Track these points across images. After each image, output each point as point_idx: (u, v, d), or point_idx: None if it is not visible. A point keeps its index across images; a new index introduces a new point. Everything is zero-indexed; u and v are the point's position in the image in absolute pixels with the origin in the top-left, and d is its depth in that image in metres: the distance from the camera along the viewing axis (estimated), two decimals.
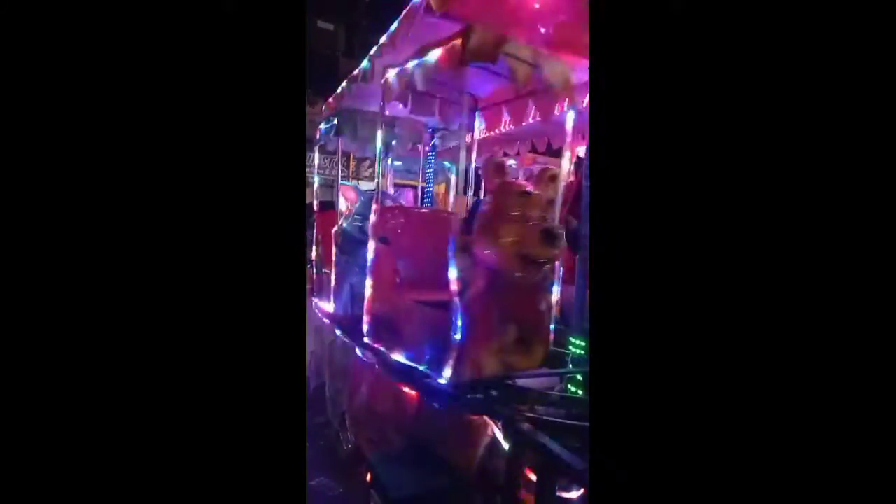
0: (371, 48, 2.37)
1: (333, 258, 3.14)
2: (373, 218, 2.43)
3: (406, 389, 2.07)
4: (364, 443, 2.46)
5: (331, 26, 9.69)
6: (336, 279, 3.13)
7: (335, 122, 3.28)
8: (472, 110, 2.94)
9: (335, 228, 3.18)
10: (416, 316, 2.16)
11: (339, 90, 3.09)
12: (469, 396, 1.76)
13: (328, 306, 3.29)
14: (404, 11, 1.94)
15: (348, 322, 2.89)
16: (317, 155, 4.07)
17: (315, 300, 3.64)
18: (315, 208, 3.90)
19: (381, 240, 2.39)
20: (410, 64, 1.97)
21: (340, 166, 3.75)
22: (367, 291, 2.42)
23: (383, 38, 2.18)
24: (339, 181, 3.61)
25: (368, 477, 2.06)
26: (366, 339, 2.44)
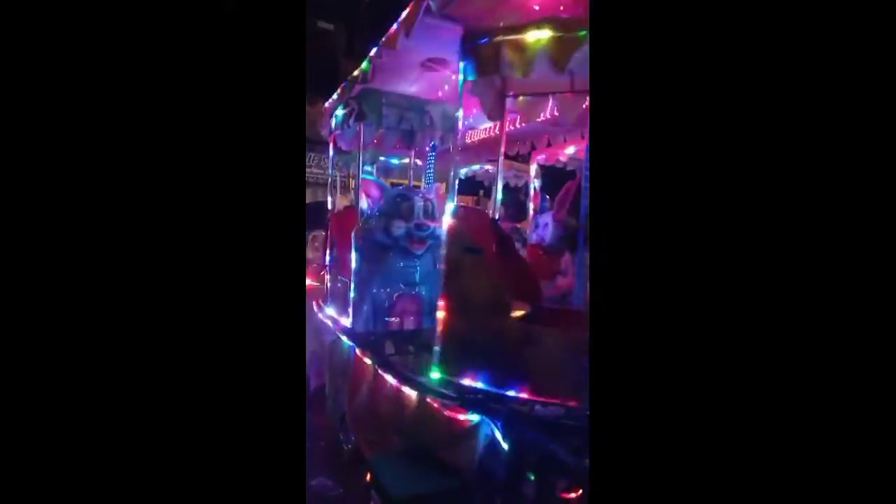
0: (371, 49, 2.37)
1: (353, 264, 2.75)
2: (450, 221, 1.98)
3: (405, 389, 2.07)
4: (364, 443, 2.45)
5: (331, 26, 9.69)
6: (356, 288, 2.72)
7: (355, 106, 2.78)
8: (503, 97, 2.36)
9: (355, 230, 2.78)
10: (549, 341, 1.76)
11: (355, 73, 2.65)
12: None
13: (346, 320, 2.88)
14: (404, 12, 1.94)
15: (371, 340, 2.60)
16: (331, 149, 3.54)
17: (330, 311, 3.22)
18: (329, 207, 3.56)
19: (470, 250, 1.93)
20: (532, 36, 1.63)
21: (361, 160, 3.11)
22: (442, 314, 1.93)
23: (383, 40, 2.19)
24: (361, 175, 3.02)
25: (368, 477, 2.06)
26: (435, 374, 1.92)
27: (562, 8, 1.77)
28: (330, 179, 4.08)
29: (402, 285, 2.75)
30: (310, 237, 4.50)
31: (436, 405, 1.89)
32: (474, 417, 1.74)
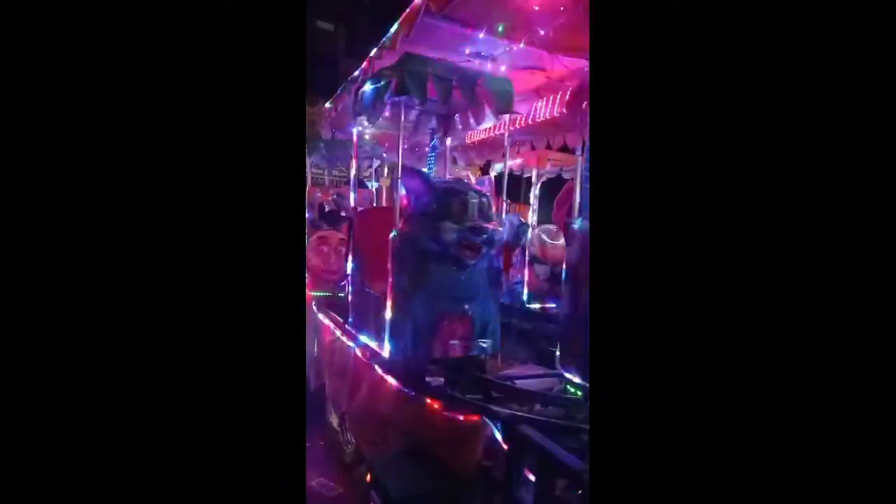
0: (371, 49, 2.37)
1: (390, 277, 2.20)
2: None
3: (406, 390, 2.07)
4: (364, 443, 2.45)
5: (331, 26, 9.71)
6: (394, 307, 2.19)
7: (392, 77, 2.15)
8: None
9: (393, 234, 2.22)
10: None
11: (392, 29, 2.14)
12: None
13: (378, 345, 2.35)
14: (404, 12, 1.94)
15: (416, 373, 2.09)
16: (355, 132, 2.97)
17: (353, 332, 2.71)
18: (352, 204, 3.11)
19: None
20: None
21: (401, 145, 2.45)
22: None
23: (383, 40, 2.19)
24: (400, 166, 2.33)
25: (368, 477, 2.06)
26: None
27: (562, 9, 1.77)
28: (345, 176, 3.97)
29: (450, 303, 2.18)
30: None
31: (436, 405, 1.89)
32: (474, 417, 1.74)
